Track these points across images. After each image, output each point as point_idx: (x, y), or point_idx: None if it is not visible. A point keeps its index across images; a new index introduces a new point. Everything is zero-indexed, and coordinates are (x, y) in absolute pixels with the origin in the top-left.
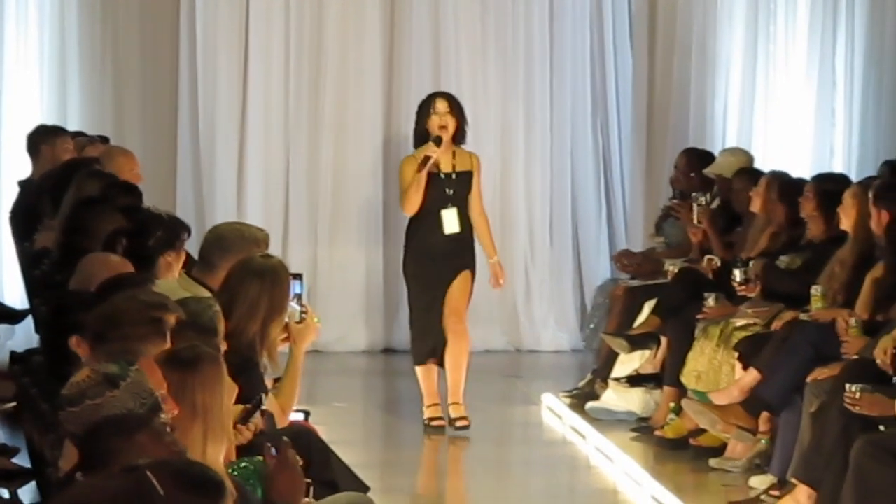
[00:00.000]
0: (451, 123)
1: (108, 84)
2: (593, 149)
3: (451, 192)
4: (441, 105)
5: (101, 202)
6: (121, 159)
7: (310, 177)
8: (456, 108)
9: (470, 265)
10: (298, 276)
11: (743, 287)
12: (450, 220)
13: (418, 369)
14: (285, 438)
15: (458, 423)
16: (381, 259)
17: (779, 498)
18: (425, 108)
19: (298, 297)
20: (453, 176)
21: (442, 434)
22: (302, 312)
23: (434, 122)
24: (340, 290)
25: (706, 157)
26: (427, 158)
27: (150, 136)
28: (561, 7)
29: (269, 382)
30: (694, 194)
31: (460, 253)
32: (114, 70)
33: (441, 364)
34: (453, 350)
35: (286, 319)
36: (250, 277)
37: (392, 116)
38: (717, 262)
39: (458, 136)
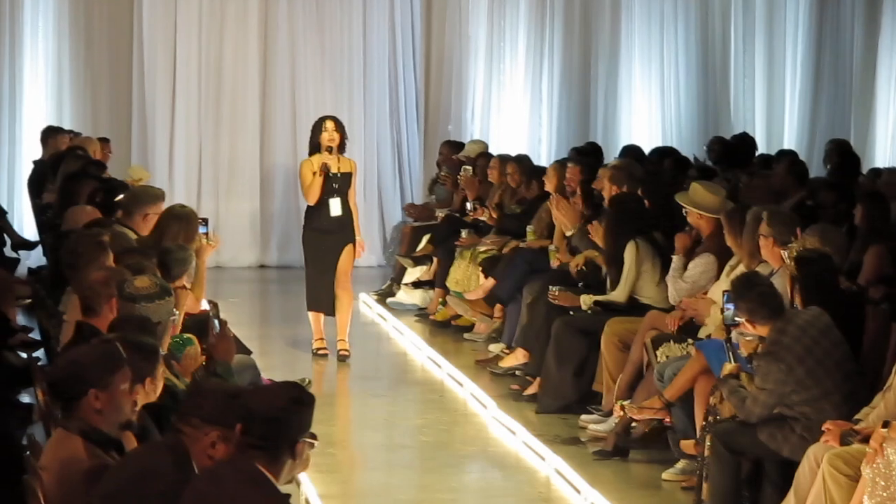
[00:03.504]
0: (337, 138)
1: (86, 86)
2: (391, 141)
3: (336, 186)
4: (329, 125)
5: (80, 174)
6: (92, 146)
7: (215, 158)
8: (340, 127)
9: (352, 239)
10: (205, 221)
11: (472, 211)
12: (335, 207)
13: (310, 314)
14: (223, 318)
15: (342, 353)
16: (258, 208)
17: (506, 356)
18: (318, 127)
19: (205, 234)
20: (339, 175)
21: (325, 360)
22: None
23: (325, 138)
24: (233, 227)
25: (459, 145)
26: (325, 165)
27: (115, 130)
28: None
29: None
30: (464, 167)
31: (344, 230)
32: (86, 75)
33: (328, 313)
34: (342, 303)
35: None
36: (173, 220)
37: (266, 99)
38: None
39: (341, 147)
